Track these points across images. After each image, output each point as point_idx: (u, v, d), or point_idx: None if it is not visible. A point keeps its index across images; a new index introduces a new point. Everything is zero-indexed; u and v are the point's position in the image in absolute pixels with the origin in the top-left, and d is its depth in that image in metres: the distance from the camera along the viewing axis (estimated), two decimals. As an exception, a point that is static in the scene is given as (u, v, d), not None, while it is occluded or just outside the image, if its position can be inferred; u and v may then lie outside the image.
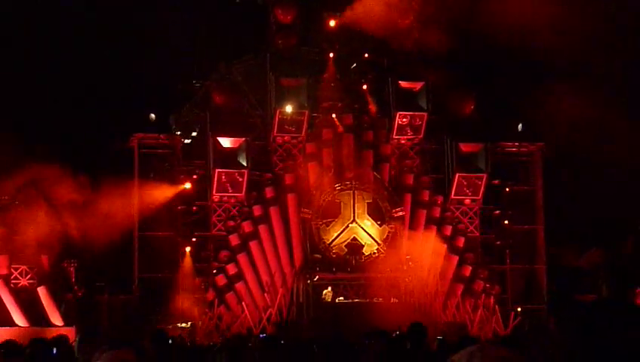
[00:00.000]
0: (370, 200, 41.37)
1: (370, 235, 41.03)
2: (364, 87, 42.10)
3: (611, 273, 7.47)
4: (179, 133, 41.92)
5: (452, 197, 42.45)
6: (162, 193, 40.54)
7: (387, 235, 41.06)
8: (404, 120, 42.27)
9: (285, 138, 41.83)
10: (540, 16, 34.90)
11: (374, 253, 40.81)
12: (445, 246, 41.78)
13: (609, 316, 6.76)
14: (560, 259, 36.20)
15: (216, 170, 40.34)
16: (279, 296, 39.84)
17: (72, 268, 39.06)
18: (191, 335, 36.66)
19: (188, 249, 40.43)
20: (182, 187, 40.56)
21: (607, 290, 7.56)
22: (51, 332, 33.48)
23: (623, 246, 37.24)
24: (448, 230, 42.18)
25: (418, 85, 42.20)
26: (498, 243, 42.91)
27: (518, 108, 41.63)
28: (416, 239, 41.03)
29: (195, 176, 40.94)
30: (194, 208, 40.98)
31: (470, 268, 41.83)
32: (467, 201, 42.70)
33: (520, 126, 43.50)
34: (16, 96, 37.03)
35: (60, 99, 38.30)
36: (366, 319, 32.31)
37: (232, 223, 40.95)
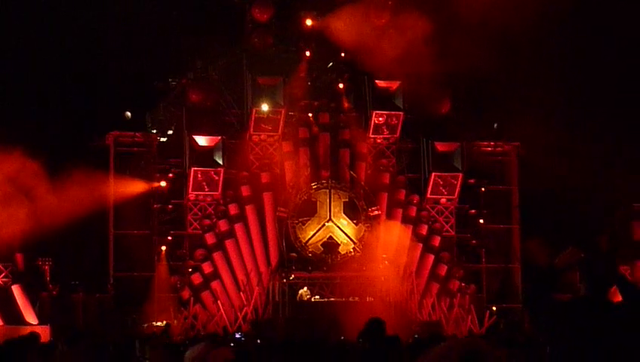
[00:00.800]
0: (347, 199, 41.40)
1: (346, 234, 41.06)
2: (341, 85, 42.08)
3: (587, 272, 7.47)
4: (155, 131, 41.78)
5: (428, 196, 42.52)
6: (138, 191, 40.44)
7: (363, 234, 41.09)
8: (381, 119, 42.31)
9: (262, 137, 41.78)
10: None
11: (350, 252, 40.85)
12: (421, 245, 41.86)
13: (585, 314, 6.79)
14: (534, 258, 36.27)
15: (192, 169, 40.25)
16: (255, 294, 39.80)
17: (46, 267, 38.86)
18: (166, 334, 36.55)
19: (164, 248, 40.33)
20: (157, 185, 40.44)
21: (583, 289, 7.55)
22: (26, 331, 33.34)
23: (598, 244, 37.46)
24: (424, 229, 42.26)
25: (394, 85, 42.24)
26: (474, 242, 43.02)
27: (493, 108, 41.76)
28: (391, 232, 41.01)
29: (170, 175, 40.81)
30: (169, 206, 40.88)
31: (446, 267, 41.94)
32: (443, 201, 42.78)
33: (495, 125, 43.61)
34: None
35: (35, 96, 38.04)
36: (342, 318, 32.34)
37: (207, 222, 40.87)
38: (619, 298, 6.88)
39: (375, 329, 11.54)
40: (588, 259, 7.02)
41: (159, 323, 39.01)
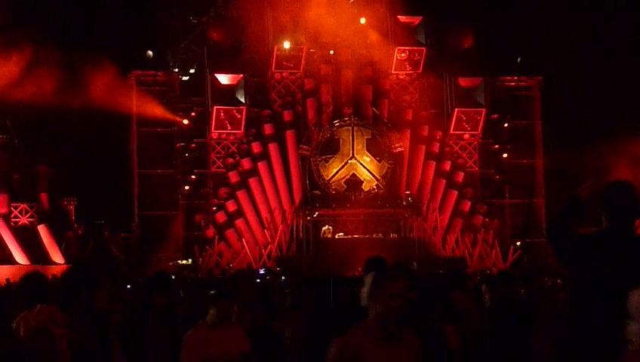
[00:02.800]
0: (369, 136, 41.33)
1: (369, 171, 41.04)
2: (362, 21, 41.76)
3: (609, 203, 7.45)
4: (176, 70, 41.73)
5: (451, 132, 42.38)
6: (161, 130, 40.55)
7: (386, 171, 41.06)
8: (403, 55, 42.06)
9: (283, 74, 41.66)
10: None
11: (374, 189, 40.85)
12: (444, 181, 41.81)
13: (608, 246, 6.75)
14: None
15: (215, 107, 40.26)
16: (279, 232, 39.94)
17: (71, 206, 39.12)
18: (193, 271, 36.82)
19: (187, 187, 40.47)
20: (180, 123, 40.48)
21: (606, 221, 7.52)
22: (52, 270, 33.69)
23: (619, 177, 37.26)
24: (447, 165, 42.15)
25: (416, 20, 41.95)
26: (497, 177, 42.90)
27: (516, 42, 41.41)
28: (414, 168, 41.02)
29: (193, 114, 40.83)
30: (192, 145, 40.93)
31: (469, 203, 41.89)
32: (466, 136, 42.64)
33: (518, 60, 43.28)
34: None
35: (59, 34, 37.95)
36: (365, 255, 32.43)
37: (231, 160, 40.92)
38: (641, 230, 6.83)
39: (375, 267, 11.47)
40: (610, 188, 6.94)
41: (184, 261, 39.30)
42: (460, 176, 42.22)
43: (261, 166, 40.93)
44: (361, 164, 41.04)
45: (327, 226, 39.32)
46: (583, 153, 36.30)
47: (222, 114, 40.46)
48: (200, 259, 38.83)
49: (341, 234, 39.42)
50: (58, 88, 36.28)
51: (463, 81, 42.17)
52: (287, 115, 41.31)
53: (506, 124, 42.94)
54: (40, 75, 36.55)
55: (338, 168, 40.80)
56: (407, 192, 40.52)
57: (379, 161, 41.19)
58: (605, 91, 38.05)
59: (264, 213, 40.53)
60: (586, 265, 6.80)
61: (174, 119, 40.52)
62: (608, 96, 38.03)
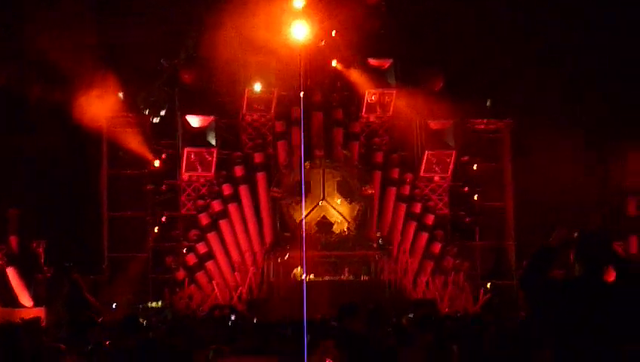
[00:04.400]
0: (340, 178, 41.40)
1: (340, 213, 41.07)
2: (334, 64, 41.98)
3: (581, 251, 7.45)
4: (147, 112, 41.73)
5: (421, 174, 42.51)
6: (131, 172, 40.48)
7: (357, 213, 41.11)
8: (373, 98, 42.25)
9: (254, 117, 41.76)
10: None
11: (344, 231, 40.86)
12: (414, 223, 41.91)
13: (579, 294, 6.82)
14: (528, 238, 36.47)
15: (186, 149, 40.25)
16: (250, 274, 39.83)
17: (40, 249, 38.88)
18: (169, 313, 36.63)
19: (156, 229, 40.36)
20: (151, 166, 40.43)
21: (578, 269, 7.53)
22: (21, 313, 33.40)
23: (591, 223, 37.56)
24: (418, 207, 42.27)
25: (387, 63, 42.20)
26: (467, 220, 43.03)
27: (486, 85, 41.74)
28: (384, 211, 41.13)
29: (163, 156, 40.80)
30: (163, 187, 40.87)
31: (440, 245, 41.97)
32: (436, 178, 42.78)
33: (488, 103, 43.61)
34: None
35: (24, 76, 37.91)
36: (337, 297, 32.38)
37: (201, 202, 40.89)
38: (613, 277, 6.90)
39: (347, 313, 11.48)
40: (582, 237, 7.03)
41: (154, 304, 39.10)
42: (431, 219, 42.33)
43: (232, 208, 40.90)
44: (331, 206, 41.07)
45: (298, 268, 39.23)
46: (555, 195, 36.55)
47: (192, 156, 40.44)
48: (169, 302, 38.63)
49: (312, 276, 39.32)
50: (27, 128, 36.20)
51: (433, 124, 42.38)
52: (257, 157, 41.37)
53: (475, 166, 43.12)
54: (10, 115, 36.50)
55: (309, 210, 40.80)
56: (378, 234, 40.54)
57: (349, 203, 41.25)
58: (576, 134, 38.36)
59: (235, 255, 40.46)
60: (559, 312, 6.86)
61: (145, 161, 40.46)
62: (579, 138, 38.34)
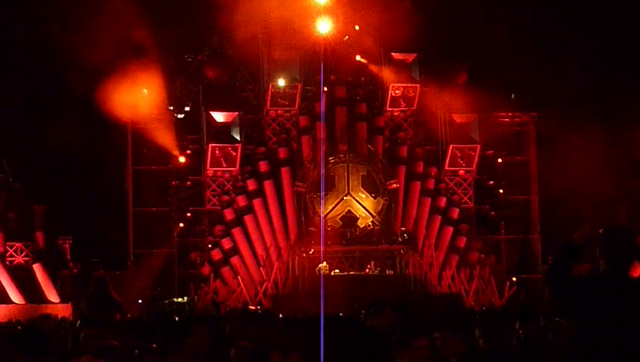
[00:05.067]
0: (365, 173, 41.33)
1: (364, 208, 41.01)
2: (358, 58, 41.94)
3: (606, 246, 7.39)
4: (172, 108, 41.83)
5: (446, 168, 42.43)
6: (156, 168, 40.63)
7: (382, 207, 41.06)
8: (398, 92, 42.19)
9: (278, 112, 41.78)
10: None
11: (369, 226, 40.81)
12: (439, 217, 41.82)
13: (604, 290, 6.79)
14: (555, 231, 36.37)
15: (210, 145, 40.32)
16: (275, 269, 39.85)
17: (67, 245, 39.11)
18: (190, 309, 36.76)
19: (181, 224, 40.47)
20: (176, 162, 40.54)
21: (603, 264, 7.47)
22: (47, 309, 33.64)
23: (617, 216, 37.37)
24: (443, 201, 42.18)
25: (411, 57, 42.11)
26: (492, 213, 42.93)
27: (510, 78, 41.59)
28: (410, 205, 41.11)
29: (188, 152, 40.88)
30: (188, 183, 40.95)
31: (465, 239, 41.87)
32: (461, 172, 42.69)
33: (513, 96, 43.46)
34: None
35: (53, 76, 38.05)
36: (362, 292, 32.39)
37: (226, 198, 40.96)
38: (638, 273, 6.88)
39: (375, 311, 11.45)
40: (607, 233, 7.00)
41: (180, 300, 39.22)
42: (456, 213, 42.23)
43: (256, 203, 40.94)
44: (356, 200, 41.02)
45: (322, 263, 39.20)
46: (580, 188, 36.41)
47: (217, 151, 40.51)
48: (195, 297, 38.72)
49: (337, 271, 39.31)
50: (52, 127, 36.36)
51: (458, 118, 42.30)
52: (282, 152, 41.39)
53: (500, 160, 43.00)
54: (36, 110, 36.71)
55: (333, 205, 40.78)
56: (403, 228, 40.48)
57: (374, 198, 41.17)
58: (602, 125, 38.16)
59: (259, 251, 40.49)
60: (584, 308, 6.84)
61: (170, 157, 40.58)
62: (605, 132, 38.14)
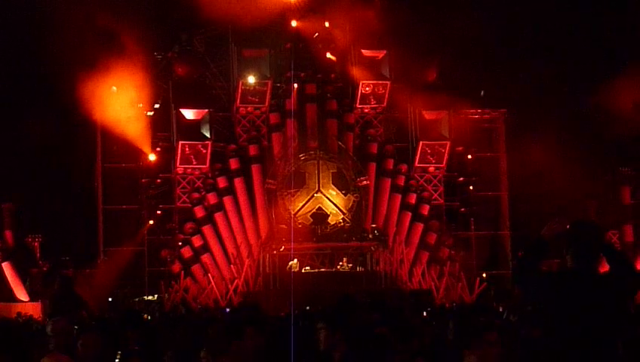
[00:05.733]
0: (335, 170, 41.35)
1: (335, 205, 41.04)
2: (328, 55, 41.97)
3: (574, 242, 7.42)
4: (141, 105, 41.64)
5: (416, 165, 42.54)
6: (126, 165, 40.49)
7: (352, 204, 41.09)
8: (368, 89, 42.25)
9: (248, 109, 41.72)
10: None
11: (340, 223, 40.84)
12: (410, 214, 41.93)
13: (572, 286, 6.83)
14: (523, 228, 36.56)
15: (180, 142, 40.21)
16: (245, 267, 39.82)
17: (36, 243, 38.91)
18: (159, 307, 36.62)
19: (151, 221, 40.35)
20: (146, 159, 40.39)
21: (570, 260, 7.50)
22: (17, 308, 33.47)
23: (585, 213, 37.62)
24: (413, 198, 42.27)
25: (380, 54, 42.18)
26: (463, 210, 43.08)
27: (480, 75, 41.74)
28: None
29: (158, 149, 40.76)
30: (158, 181, 40.82)
31: (435, 235, 41.99)
32: (431, 169, 42.81)
33: (482, 93, 43.61)
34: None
35: (16, 70, 37.85)
36: (333, 288, 32.40)
37: (196, 195, 40.87)
38: (606, 268, 6.92)
39: (344, 306, 11.50)
40: (574, 228, 7.04)
41: (150, 297, 39.10)
42: (426, 209, 42.35)
43: (227, 200, 40.88)
44: (326, 197, 41.05)
45: (294, 260, 39.21)
46: (548, 184, 36.64)
47: (187, 149, 40.42)
48: (166, 295, 38.61)
49: (307, 268, 39.32)
50: (23, 125, 36.17)
51: (428, 115, 42.40)
52: (252, 150, 41.35)
53: (470, 156, 43.15)
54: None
55: (304, 202, 40.79)
56: (373, 225, 40.56)
57: (345, 195, 41.21)
58: (569, 123, 38.40)
59: (230, 248, 40.43)
60: (553, 303, 6.87)
61: (139, 154, 40.44)
62: (572, 128, 38.38)
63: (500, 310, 18.62)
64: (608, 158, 41.68)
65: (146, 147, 40.54)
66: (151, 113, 41.79)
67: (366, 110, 42.74)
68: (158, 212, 40.66)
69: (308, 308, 21.22)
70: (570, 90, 39.10)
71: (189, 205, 40.83)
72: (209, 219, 40.72)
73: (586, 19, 38.75)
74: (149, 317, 24.95)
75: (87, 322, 13.08)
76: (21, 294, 37.21)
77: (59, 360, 8.21)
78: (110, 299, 38.18)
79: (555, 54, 38.76)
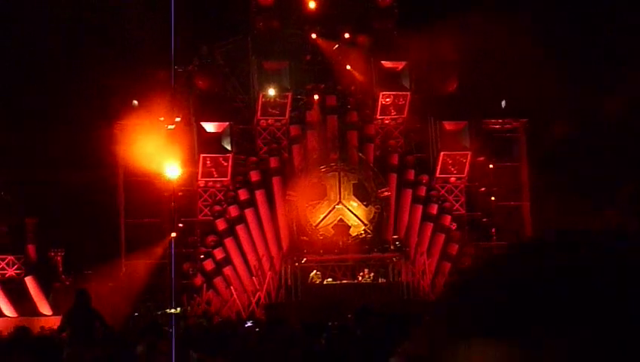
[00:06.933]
0: (356, 181, 41.36)
1: (356, 216, 41.04)
2: (348, 67, 42.03)
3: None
4: (162, 119, 41.76)
5: (437, 175, 42.49)
6: (148, 179, 40.56)
7: (373, 216, 41.07)
8: (388, 100, 42.26)
9: (269, 121, 41.81)
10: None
11: (361, 234, 40.84)
12: (431, 224, 41.87)
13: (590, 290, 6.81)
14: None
15: (201, 155, 40.31)
16: (267, 279, 39.86)
17: (58, 257, 39.04)
18: (183, 320, 36.65)
19: (173, 234, 40.41)
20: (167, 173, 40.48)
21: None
22: (40, 322, 33.58)
23: (605, 223, 37.40)
24: (434, 209, 42.22)
25: (400, 65, 42.19)
26: (484, 220, 42.98)
27: (500, 85, 41.63)
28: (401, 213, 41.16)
29: (179, 162, 40.81)
30: (179, 194, 40.88)
31: (457, 246, 41.91)
32: (452, 179, 42.75)
33: (503, 103, 43.53)
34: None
35: (40, 88, 38.05)
36: (354, 300, 32.38)
37: (218, 208, 40.95)
38: None
39: (363, 315, 11.51)
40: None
41: (173, 311, 39.12)
42: (447, 220, 42.29)
43: (248, 213, 40.94)
44: (348, 209, 41.05)
45: (315, 272, 39.23)
46: (571, 196, 36.46)
47: (208, 162, 40.51)
48: (188, 308, 38.67)
49: (330, 279, 39.32)
50: (43, 139, 36.36)
51: (448, 125, 42.37)
52: (273, 162, 41.42)
53: (491, 166, 43.07)
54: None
55: (325, 214, 40.81)
56: (395, 236, 40.53)
57: (366, 206, 41.20)
58: (594, 131, 38.27)
59: (252, 260, 40.48)
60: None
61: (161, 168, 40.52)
62: (596, 136, 38.26)
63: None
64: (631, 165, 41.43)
65: (167, 161, 40.58)
66: (172, 127, 41.91)
67: (386, 121, 42.75)
68: (180, 225, 40.73)
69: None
70: (591, 96, 38.92)
71: (211, 218, 40.92)
72: (230, 231, 40.79)
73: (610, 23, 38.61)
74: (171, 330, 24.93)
75: (102, 336, 13.12)
76: (44, 308, 37.36)
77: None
78: (136, 314, 38.21)
79: (576, 61, 38.61)
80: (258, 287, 39.74)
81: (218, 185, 40.99)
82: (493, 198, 43.04)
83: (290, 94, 41.24)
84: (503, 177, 43.22)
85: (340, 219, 41.00)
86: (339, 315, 25.74)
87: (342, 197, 41.06)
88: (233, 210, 40.91)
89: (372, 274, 39.38)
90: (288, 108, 41.45)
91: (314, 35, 41.87)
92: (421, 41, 39.81)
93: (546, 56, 38.72)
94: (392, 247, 40.12)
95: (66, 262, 39.02)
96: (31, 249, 38.56)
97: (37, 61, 37.64)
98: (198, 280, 39.86)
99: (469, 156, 42.36)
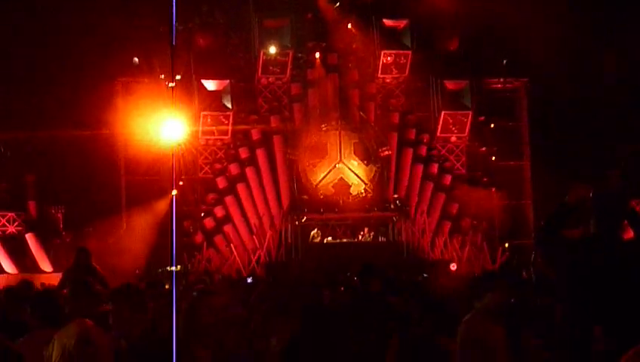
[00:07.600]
0: (357, 140, 41.32)
1: (356, 175, 41.03)
2: (349, 25, 41.82)
3: (597, 208, 7.39)
4: (162, 76, 41.61)
5: (438, 135, 42.42)
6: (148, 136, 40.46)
7: (374, 175, 41.06)
8: (389, 58, 42.10)
9: (270, 79, 41.69)
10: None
11: (362, 193, 40.84)
12: (432, 184, 41.86)
13: (595, 252, 6.79)
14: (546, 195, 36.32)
15: (202, 113, 40.21)
16: (267, 237, 39.89)
17: (59, 214, 39.04)
18: (184, 278, 36.71)
19: (174, 192, 40.29)
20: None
21: (594, 226, 7.49)
22: (41, 278, 33.64)
23: (609, 180, 37.39)
24: (435, 168, 42.20)
25: (402, 23, 41.99)
26: (485, 180, 42.94)
27: (502, 44, 41.43)
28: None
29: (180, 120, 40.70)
30: (180, 151, 40.77)
31: (457, 205, 41.92)
32: (453, 139, 42.68)
33: (504, 62, 43.33)
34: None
35: (39, 46, 37.87)
36: (355, 258, 32.41)
37: (218, 166, 40.93)
38: (630, 234, 6.88)
39: (366, 274, 11.53)
40: (598, 194, 7.00)
41: (173, 268, 39.17)
42: (448, 179, 42.27)
43: (249, 171, 40.92)
44: (348, 168, 41.03)
45: (315, 230, 39.28)
46: (571, 154, 36.44)
47: (209, 119, 40.41)
48: (189, 265, 38.73)
49: (329, 238, 39.39)
50: (43, 97, 36.25)
51: (449, 84, 42.24)
52: (274, 120, 41.32)
53: (492, 126, 42.98)
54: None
55: (326, 173, 40.80)
56: (395, 196, 40.52)
57: (366, 165, 41.18)
58: (594, 93, 38.14)
59: (252, 219, 40.52)
60: (573, 269, 6.84)
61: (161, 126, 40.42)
62: (596, 98, 38.14)
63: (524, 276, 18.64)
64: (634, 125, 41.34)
65: (168, 118, 40.42)
66: (172, 84, 41.68)
67: (387, 80, 42.62)
68: (181, 183, 40.68)
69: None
70: (595, 57, 38.76)
71: (211, 176, 40.90)
72: (231, 189, 40.79)
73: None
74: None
75: (103, 295, 13.14)
76: (45, 265, 37.42)
77: (83, 324, 8.25)
78: (137, 271, 38.26)
79: (579, 20, 38.39)
80: (258, 246, 39.77)
81: (219, 143, 40.93)
82: (493, 158, 42.95)
83: (291, 52, 41.08)
84: (504, 137, 43.14)
85: (341, 177, 41.00)
86: (340, 274, 25.79)
87: (342, 156, 41.03)
88: (234, 168, 40.88)
89: (372, 233, 39.46)
90: (289, 67, 41.30)
91: (315, -8, 41.63)
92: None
93: (550, 15, 38.52)
94: (392, 206, 40.13)
95: (66, 219, 39.01)
96: (31, 205, 38.56)
97: (35, 18, 37.41)
98: (199, 237, 39.90)
99: (470, 115, 42.26)
